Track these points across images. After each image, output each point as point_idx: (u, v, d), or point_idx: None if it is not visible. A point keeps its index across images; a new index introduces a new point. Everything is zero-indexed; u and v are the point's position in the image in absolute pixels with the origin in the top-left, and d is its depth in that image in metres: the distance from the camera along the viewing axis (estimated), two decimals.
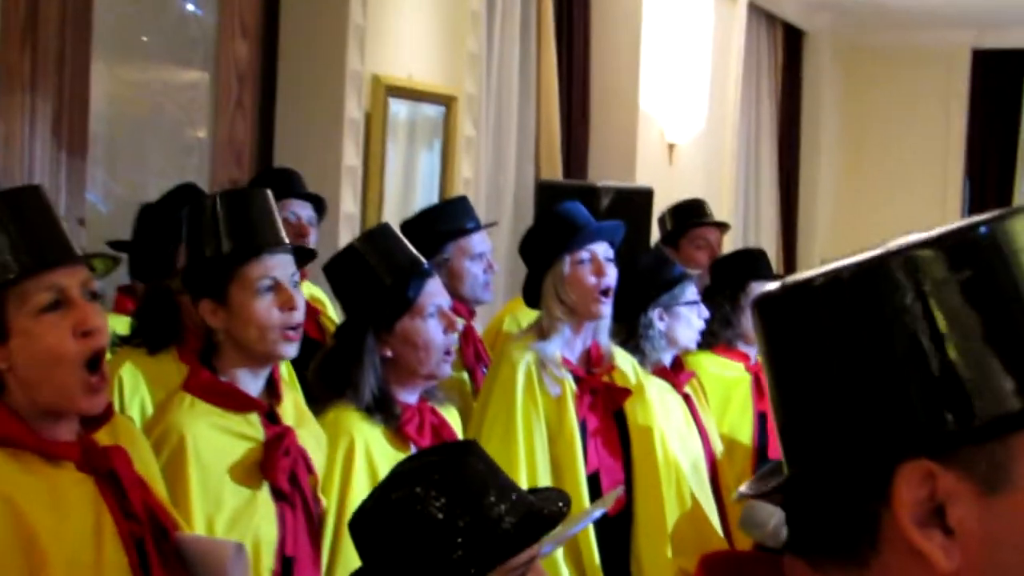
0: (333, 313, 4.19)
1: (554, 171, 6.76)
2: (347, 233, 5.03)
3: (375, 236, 3.16)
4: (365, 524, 2.03)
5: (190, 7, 4.86)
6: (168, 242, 3.39)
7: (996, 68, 10.33)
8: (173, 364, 3.17)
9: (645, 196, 6.09)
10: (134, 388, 3.18)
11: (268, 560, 2.60)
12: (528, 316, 3.92)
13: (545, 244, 3.62)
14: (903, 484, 0.95)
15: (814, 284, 0.99)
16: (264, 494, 2.63)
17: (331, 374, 3.03)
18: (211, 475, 2.57)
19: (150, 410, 3.06)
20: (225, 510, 2.57)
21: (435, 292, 3.07)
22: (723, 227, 5.46)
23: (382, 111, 5.39)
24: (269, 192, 2.75)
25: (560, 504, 2.04)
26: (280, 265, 2.67)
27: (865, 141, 10.62)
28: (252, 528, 2.59)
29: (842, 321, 0.96)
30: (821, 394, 0.98)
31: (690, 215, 5.36)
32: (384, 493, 2.03)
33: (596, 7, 7.12)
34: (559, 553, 3.40)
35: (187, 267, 2.72)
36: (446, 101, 5.84)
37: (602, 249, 3.61)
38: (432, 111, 5.80)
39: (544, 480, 3.48)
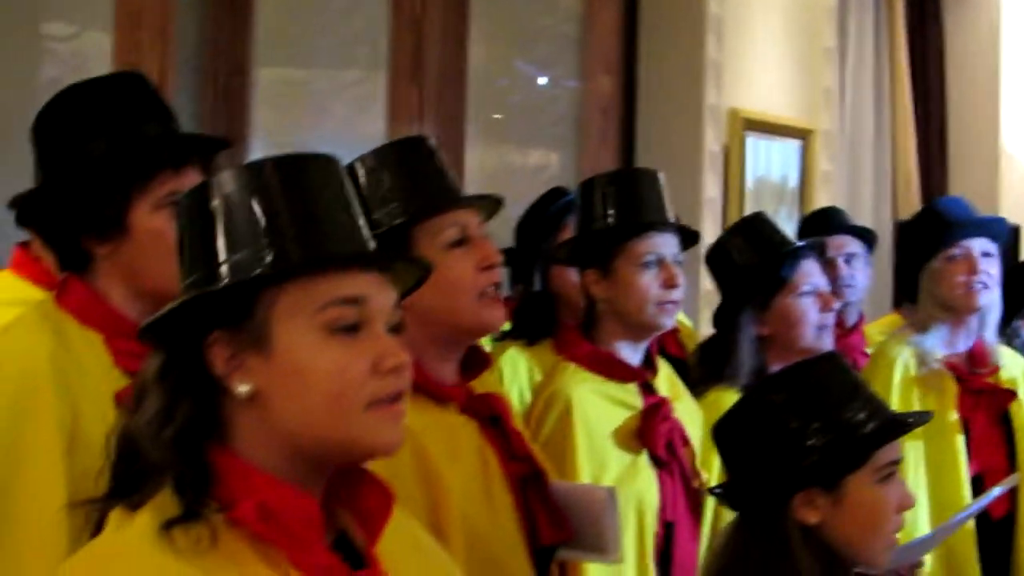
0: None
1: (911, 211, 6.63)
2: None
3: (748, 222, 3.24)
4: (726, 430, 2.13)
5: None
6: (542, 241, 3.53)
7: None
8: (549, 354, 3.28)
9: (1012, 234, 5.92)
10: (512, 377, 3.33)
11: (651, 522, 2.65)
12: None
13: (919, 239, 3.59)
14: None
15: None
16: (643, 460, 2.70)
17: (709, 357, 3.09)
18: (596, 437, 2.66)
19: (528, 397, 3.17)
20: (610, 471, 2.65)
21: (811, 272, 3.11)
22: None
23: (739, 144, 5.45)
24: (659, 174, 2.84)
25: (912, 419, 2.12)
26: (666, 244, 2.76)
27: None
28: (635, 491, 2.65)
29: None
30: None
31: None
32: (744, 402, 2.12)
33: (951, 41, 6.99)
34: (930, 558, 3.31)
35: (576, 239, 2.84)
36: (802, 136, 5.86)
37: (978, 244, 3.53)
38: (788, 146, 5.82)
39: (920, 481, 3.42)
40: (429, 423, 2.12)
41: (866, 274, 4.32)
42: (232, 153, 3.05)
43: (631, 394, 2.75)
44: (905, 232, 3.74)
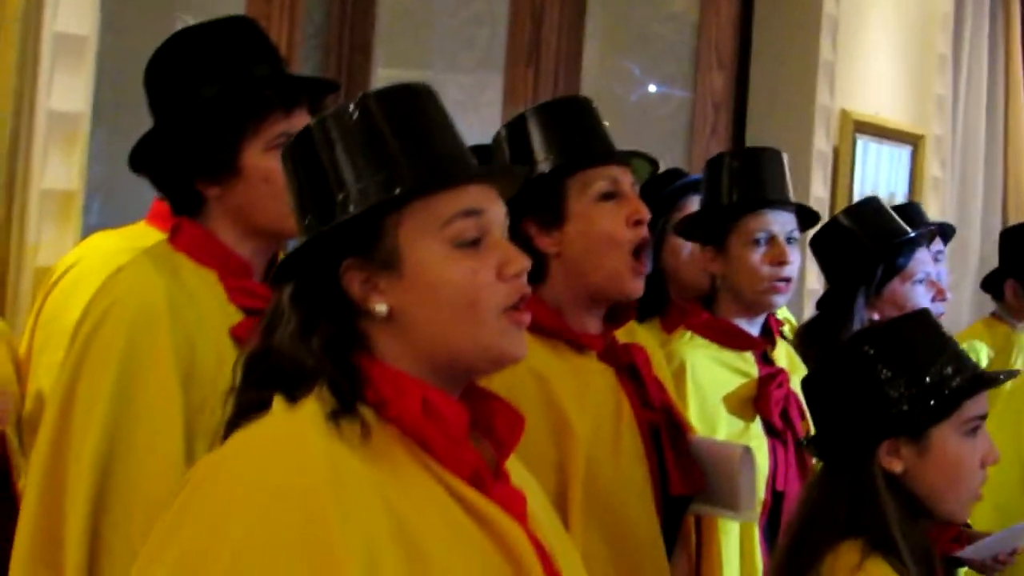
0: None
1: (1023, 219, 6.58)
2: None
3: (863, 207, 3.26)
4: (818, 381, 2.20)
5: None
6: (657, 219, 3.57)
7: None
8: (656, 332, 3.32)
9: None
10: None
11: (760, 490, 2.68)
12: None
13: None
14: None
15: None
16: (756, 428, 2.74)
17: (814, 338, 3.12)
18: (707, 400, 2.71)
19: None
20: (719, 435, 2.68)
21: (924, 260, 3.13)
22: None
23: (850, 146, 5.45)
24: (783, 154, 2.87)
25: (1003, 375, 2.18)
26: (779, 222, 2.79)
27: None
28: None
29: None
30: None
31: None
32: (837, 354, 2.19)
33: None
34: None
35: (696, 214, 2.90)
36: (913, 140, 5.84)
37: None
38: (898, 150, 5.80)
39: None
40: (564, 369, 2.19)
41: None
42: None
43: (748, 363, 2.80)
44: (1006, 240, 3.76)
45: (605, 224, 2.20)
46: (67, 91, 2.77)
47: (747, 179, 2.80)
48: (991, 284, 4.43)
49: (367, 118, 1.47)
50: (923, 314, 2.21)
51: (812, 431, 2.83)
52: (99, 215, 3.20)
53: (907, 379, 2.04)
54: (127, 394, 1.92)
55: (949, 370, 2.06)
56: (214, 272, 2.04)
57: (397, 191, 1.44)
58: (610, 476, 2.16)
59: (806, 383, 2.21)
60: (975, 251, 6.54)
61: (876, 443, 2.04)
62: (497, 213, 1.51)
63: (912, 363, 2.07)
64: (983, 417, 2.09)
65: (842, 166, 5.41)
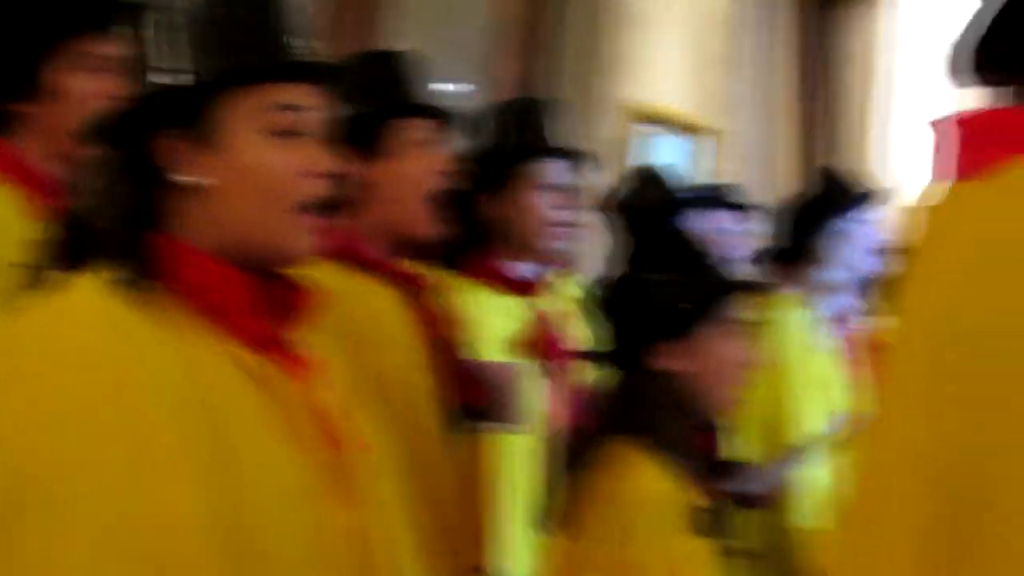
0: None
1: None
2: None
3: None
4: (596, 297, 2.42)
5: None
6: None
7: None
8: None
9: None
10: None
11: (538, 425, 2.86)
12: None
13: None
14: None
15: None
16: (532, 370, 2.86)
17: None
18: (483, 344, 2.81)
19: None
20: None
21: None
22: None
23: (634, 136, 5.71)
24: (567, 107, 3.06)
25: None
26: (561, 169, 2.94)
27: None
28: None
29: None
30: None
31: None
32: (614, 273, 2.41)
33: (837, 49, 7.33)
34: None
35: (480, 159, 2.99)
36: (696, 133, 6.15)
37: None
38: (682, 142, 6.09)
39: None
40: (357, 286, 2.33)
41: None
42: None
43: (523, 307, 2.94)
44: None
45: (410, 168, 2.39)
46: None
47: (532, 126, 2.95)
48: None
49: (211, 6, 1.58)
50: (677, 234, 2.44)
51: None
52: None
53: (675, 284, 2.26)
54: None
55: (708, 275, 2.29)
56: (21, 189, 2.07)
57: (218, 75, 1.55)
58: (404, 385, 2.33)
59: (591, 302, 2.41)
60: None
61: (648, 345, 2.26)
62: (317, 113, 1.62)
63: (677, 270, 2.29)
64: (743, 321, 2.32)
65: (624, 157, 5.66)
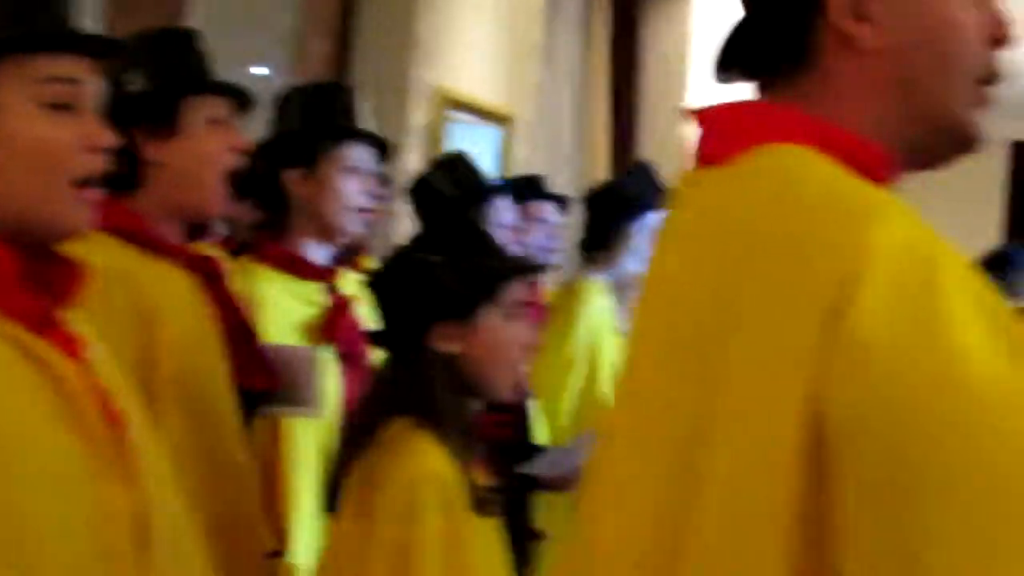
0: None
1: None
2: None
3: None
4: (379, 278, 2.43)
5: None
6: None
7: None
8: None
9: None
10: None
11: (333, 411, 2.86)
12: None
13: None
14: None
15: None
16: (327, 355, 2.86)
17: None
18: (277, 330, 2.79)
19: None
20: None
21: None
22: None
23: (443, 123, 5.74)
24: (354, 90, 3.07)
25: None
26: (368, 155, 2.97)
27: None
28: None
29: None
30: None
31: None
32: (397, 253, 2.44)
33: (646, 46, 7.49)
34: None
35: (278, 138, 3.01)
36: (505, 121, 6.20)
37: None
38: (490, 130, 6.15)
39: None
40: (148, 269, 2.30)
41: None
42: None
43: (317, 291, 2.93)
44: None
45: (203, 147, 2.37)
46: None
47: (338, 110, 2.95)
48: None
49: None
50: (470, 221, 2.48)
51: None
52: None
53: (455, 266, 2.30)
54: None
55: (490, 258, 2.33)
56: None
57: None
58: (197, 370, 2.31)
59: (372, 283, 2.43)
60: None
61: (427, 326, 2.29)
62: (94, 87, 1.60)
63: (460, 253, 2.32)
64: (525, 304, 2.37)
65: (436, 143, 5.69)
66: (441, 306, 2.28)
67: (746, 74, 1.34)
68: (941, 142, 1.32)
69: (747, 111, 1.32)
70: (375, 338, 2.43)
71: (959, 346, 1.08)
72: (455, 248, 2.32)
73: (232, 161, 2.38)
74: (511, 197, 3.85)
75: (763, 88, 1.33)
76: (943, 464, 1.05)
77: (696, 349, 1.22)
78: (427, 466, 2.15)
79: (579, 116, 7.08)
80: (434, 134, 5.67)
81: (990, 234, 10.54)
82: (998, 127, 9.16)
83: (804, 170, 1.23)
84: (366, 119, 2.99)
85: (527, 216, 4.45)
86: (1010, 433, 1.06)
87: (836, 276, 1.11)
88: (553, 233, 4.65)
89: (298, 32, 5.36)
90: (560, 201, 4.76)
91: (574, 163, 7.05)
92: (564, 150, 6.94)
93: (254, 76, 5.41)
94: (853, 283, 1.10)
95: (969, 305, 1.11)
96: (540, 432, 3.69)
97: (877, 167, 1.26)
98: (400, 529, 2.11)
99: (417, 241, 2.44)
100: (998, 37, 1.30)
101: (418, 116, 5.56)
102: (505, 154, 6.22)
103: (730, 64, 1.35)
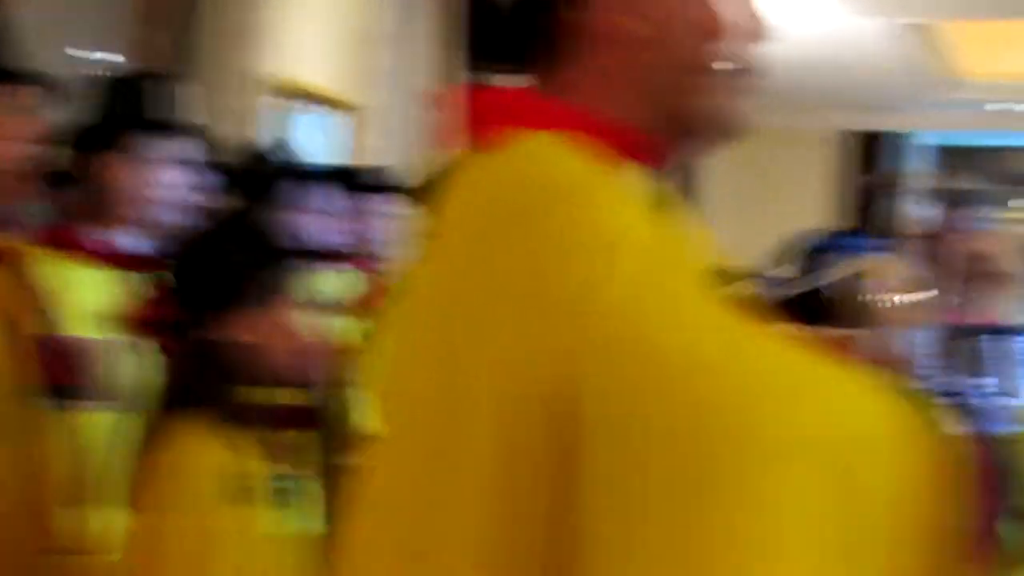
0: None
1: None
2: None
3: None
4: (178, 264, 2.44)
5: None
6: None
7: None
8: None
9: None
10: None
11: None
12: None
13: None
14: None
15: None
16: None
17: None
18: (84, 319, 2.78)
19: None
20: None
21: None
22: None
23: (285, 113, 5.70)
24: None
25: None
26: (175, 146, 2.96)
27: None
28: None
29: None
30: None
31: None
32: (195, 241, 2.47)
33: None
34: None
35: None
36: (351, 110, 6.18)
37: None
38: (325, 119, 6.11)
39: None
40: None
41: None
42: None
43: (118, 281, 2.89)
44: None
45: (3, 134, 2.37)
46: None
47: (150, 98, 2.95)
48: None
49: None
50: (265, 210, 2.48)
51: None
52: None
53: (235, 255, 2.30)
54: None
55: (274, 249, 2.35)
56: None
57: None
58: None
59: (170, 271, 2.42)
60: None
61: (221, 315, 2.28)
62: None
63: (243, 243, 2.32)
64: (310, 294, 2.38)
65: (264, 131, 5.63)
66: (223, 296, 2.28)
67: (507, 66, 1.39)
68: (693, 129, 1.39)
69: (510, 98, 1.37)
70: (160, 328, 2.41)
71: (672, 322, 1.17)
72: (238, 237, 2.33)
73: (29, 151, 2.35)
74: (343, 185, 3.83)
75: (529, 77, 1.38)
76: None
77: (438, 338, 1.26)
78: (205, 457, 2.15)
79: (410, 101, 7.05)
80: (263, 123, 5.60)
81: (819, 221, 10.74)
82: (829, 117, 9.32)
83: (543, 157, 1.28)
84: (193, 110, 2.98)
85: (362, 206, 4.43)
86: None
87: (562, 261, 1.19)
88: (387, 224, 4.63)
89: (139, 19, 5.28)
90: (400, 191, 4.74)
91: (405, 150, 7.03)
92: (395, 136, 6.91)
93: (95, 62, 5.34)
94: (583, 266, 1.18)
95: (682, 283, 1.21)
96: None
97: (635, 151, 1.33)
98: (192, 520, 2.11)
99: (214, 230, 2.44)
100: (712, 31, 1.35)
101: (259, 106, 5.51)
102: (337, 142, 6.18)
103: (488, 56, 1.39)
